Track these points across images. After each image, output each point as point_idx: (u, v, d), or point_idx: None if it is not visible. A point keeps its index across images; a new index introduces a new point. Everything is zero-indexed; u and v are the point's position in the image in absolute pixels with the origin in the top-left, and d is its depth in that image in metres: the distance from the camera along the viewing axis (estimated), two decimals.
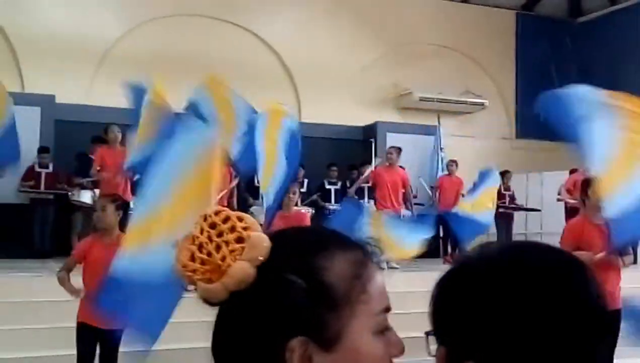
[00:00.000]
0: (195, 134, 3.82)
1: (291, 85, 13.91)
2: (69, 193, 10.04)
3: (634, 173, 4.11)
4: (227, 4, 13.35)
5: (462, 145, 14.30)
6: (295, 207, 7.55)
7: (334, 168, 12.35)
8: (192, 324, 3.59)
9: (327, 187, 12.21)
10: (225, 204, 10.40)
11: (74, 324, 4.98)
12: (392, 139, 12.59)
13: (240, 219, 0.86)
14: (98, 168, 9.21)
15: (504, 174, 13.11)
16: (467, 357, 0.85)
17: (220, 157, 3.75)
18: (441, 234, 11.93)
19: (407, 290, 6.34)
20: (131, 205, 9.18)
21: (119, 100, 11.76)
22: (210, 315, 0.89)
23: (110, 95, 11.98)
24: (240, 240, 0.84)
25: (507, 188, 13.07)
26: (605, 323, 0.86)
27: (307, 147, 12.50)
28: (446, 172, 12.32)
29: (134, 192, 9.09)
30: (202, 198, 3.44)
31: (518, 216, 13.25)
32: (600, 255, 5.07)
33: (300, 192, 10.15)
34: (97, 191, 9.40)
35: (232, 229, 0.85)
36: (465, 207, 8.76)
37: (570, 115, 4.49)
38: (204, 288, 0.84)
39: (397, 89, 14.69)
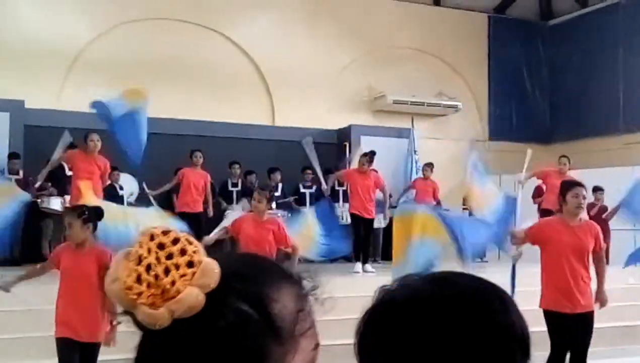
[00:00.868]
0: None
1: (265, 89, 13.86)
2: (39, 201, 9.88)
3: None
4: (199, 7, 13.26)
5: (436, 147, 14.35)
6: (270, 211, 7.48)
7: (309, 171, 12.31)
8: None
9: (302, 190, 12.17)
10: (202, 210, 10.35)
11: (44, 334, 4.88)
12: (366, 142, 12.58)
13: (190, 242, 0.81)
14: (69, 168, 9.00)
15: None
16: None
17: None
18: None
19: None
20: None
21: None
22: None
23: (80, 100, 11.83)
24: (191, 264, 0.79)
25: None
26: (526, 348, 0.88)
27: (282, 150, 12.58)
28: (421, 175, 12.33)
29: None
30: None
31: None
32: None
33: (275, 196, 10.11)
34: (67, 198, 9.24)
35: (183, 252, 0.80)
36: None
37: None
38: (147, 313, 0.78)
39: (371, 92, 14.71)
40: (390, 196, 11.52)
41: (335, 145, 13.58)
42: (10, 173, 10.25)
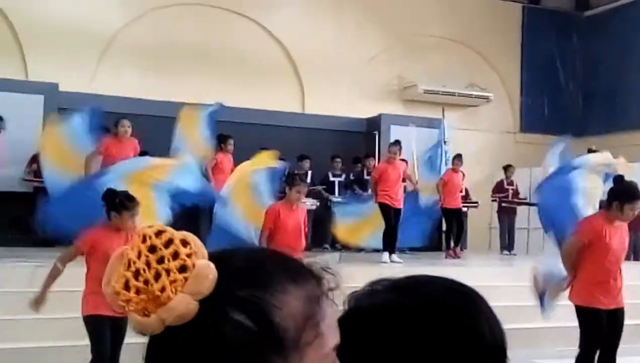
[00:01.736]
0: None
1: (295, 77, 13.87)
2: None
3: None
4: None
5: (466, 138, 14.25)
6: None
7: (338, 160, 12.31)
8: None
9: (332, 179, 12.18)
10: None
11: (78, 315, 4.95)
12: (396, 132, 12.55)
13: (185, 243, 0.75)
14: (96, 155, 9.09)
15: (507, 168, 13.12)
16: None
17: None
18: (444, 228, 11.92)
19: None
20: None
21: (123, 89, 11.84)
22: None
23: (113, 84, 11.99)
24: (183, 269, 0.74)
25: (510, 183, 13.05)
26: (498, 354, 0.86)
27: (311, 138, 12.59)
28: (450, 166, 12.26)
29: None
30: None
31: (521, 210, 13.23)
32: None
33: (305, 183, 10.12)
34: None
35: (175, 255, 0.74)
36: None
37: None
38: (138, 321, 0.73)
39: (402, 82, 14.64)
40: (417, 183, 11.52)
41: (364, 134, 13.56)
42: None
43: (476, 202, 13.03)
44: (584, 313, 5.20)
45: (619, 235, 5.22)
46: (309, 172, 11.77)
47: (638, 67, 14.83)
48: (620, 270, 5.26)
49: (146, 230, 0.75)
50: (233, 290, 0.74)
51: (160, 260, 0.74)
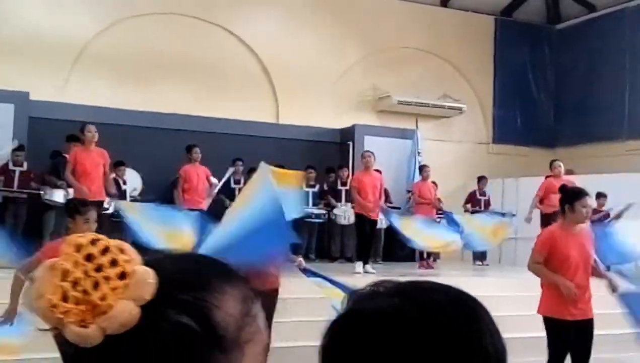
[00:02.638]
0: None
1: (270, 87, 13.85)
2: (41, 193, 9.88)
3: None
4: (206, 2, 13.26)
5: (440, 149, 14.35)
6: None
7: (312, 171, 12.29)
8: None
9: (305, 189, 12.15)
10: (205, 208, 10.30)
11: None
12: (370, 142, 12.58)
13: (122, 251, 0.74)
14: (71, 169, 8.98)
15: (480, 179, 13.20)
16: None
17: None
18: None
19: None
20: (105, 204, 9.06)
21: (94, 98, 11.74)
22: None
23: (85, 93, 11.88)
24: (123, 275, 0.73)
25: (483, 193, 13.13)
26: (498, 360, 0.85)
27: (285, 148, 12.56)
28: (420, 178, 12.24)
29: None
30: None
31: None
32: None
33: None
34: (70, 190, 9.24)
35: (114, 263, 0.73)
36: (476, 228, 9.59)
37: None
38: (76, 333, 0.71)
39: (376, 92, 14.69)
40: (387, 196, 11.53)
41: (338, 145, 13.58)
42: (15, 165, 10.27)
43: (399, 207, 12.66)
44: (549, 324, 5.22)
45: (578, 244, 5.22)
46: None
47: (608, 79, 15.04)
48: (587, 279, 5.26)
49: (79, 240, 0.74)
50: (173, 294, 0.75)
51: (99, 269, 0.72)
